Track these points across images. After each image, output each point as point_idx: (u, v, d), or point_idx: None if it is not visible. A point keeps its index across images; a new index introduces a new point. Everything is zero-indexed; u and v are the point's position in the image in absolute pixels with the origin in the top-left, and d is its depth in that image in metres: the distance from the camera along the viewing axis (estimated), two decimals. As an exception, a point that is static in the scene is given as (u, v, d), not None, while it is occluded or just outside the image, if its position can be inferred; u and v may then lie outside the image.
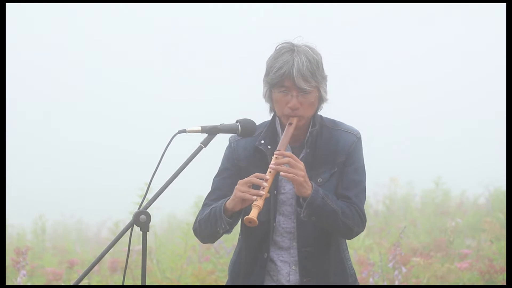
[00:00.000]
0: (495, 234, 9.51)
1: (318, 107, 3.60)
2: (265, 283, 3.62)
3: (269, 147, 3.59)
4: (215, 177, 3.71)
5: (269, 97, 3.60)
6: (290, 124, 3.53)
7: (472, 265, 7.45)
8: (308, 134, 3.58)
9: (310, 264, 3.57)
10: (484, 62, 30.57)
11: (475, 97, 30.23)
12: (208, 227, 3.56)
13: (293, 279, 3.60)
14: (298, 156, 3.59)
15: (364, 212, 3.58)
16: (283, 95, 3.53)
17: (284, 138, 3.51)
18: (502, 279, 6.92)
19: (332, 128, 3.62)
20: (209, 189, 3.71)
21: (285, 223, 3.59)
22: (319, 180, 3.56)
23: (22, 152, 30.05)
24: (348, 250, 3.69)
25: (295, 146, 3.62)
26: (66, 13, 34.14)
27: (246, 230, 3.64)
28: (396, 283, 6.63)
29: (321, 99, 3.58)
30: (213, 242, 3.62)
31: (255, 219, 3.34)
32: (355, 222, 3.53)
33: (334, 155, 3.58)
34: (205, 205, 3.67)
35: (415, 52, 33.47)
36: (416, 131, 27.84)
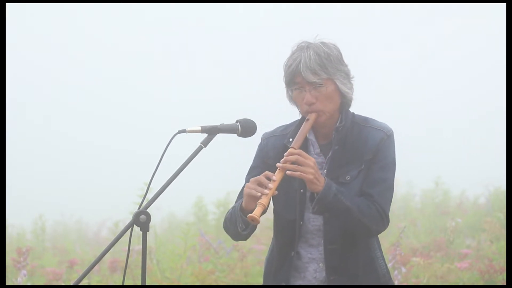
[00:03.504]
0: (495, 234, 9.51)
1: (340, 102, 3.57)
2: (292, 280, 3.61)
3: (300, 146, 3.55)
4: (246, 175, 3.70)
5: (290, 97, 3.60)
6: (308, 120, 3.52)
7: (472, 265, 7.45)
8: (334, 131, 3.56)
9: (336, 262, 3.54)
10: (484, 61, 30.58)
11: (475, 97, 30.25)
12: (231, 226, 3.57)
13: (320, 277, 3.58)
14: (327, 154, 3.57)
15: (386, 211, 3.53)
16: (298, 92, 3.53)
17: (300, 134, 3.50)
18: (502, 279, 6.92)
19: (362, 126, 3.59)
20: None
21: (314, 220, 3.57)
22: (347, 177, 3.53)
23: (22, 152, 30.06)
24: (380, 249, 3.63)
25: (324, 144, 3.60)
26: (66, 13, 34.15)
27: (276, 228, 3.65)
28: (396, 283, 6.63)
29: (341, 94, 3.55)
30: (243, 240, 3.59)
31: (257, 217, 3.33)
32: (374, 220, 3.49)
33: (362, 152, 3.55)
34: (235, 203, 3.69)
35: (415, 51, 33.49)
36: (416, 131, 27.85)
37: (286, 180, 3.51)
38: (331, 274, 3.54)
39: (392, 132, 3.61)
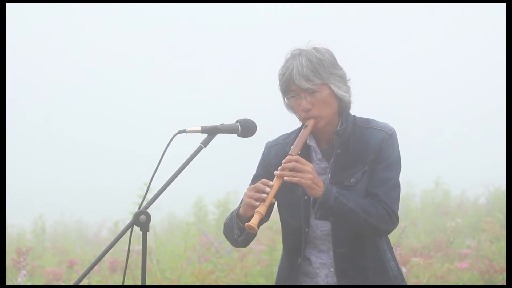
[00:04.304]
0: (495, 234, 9.51)
1: (338, 105, 3.56)
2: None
3: (298, 152, 3.55)
4: (249, 184, 3.67)
5: (287, 105, 3.60)
6: (306, 126, 3.52)
7: (472, 265, 7.45)
8: (335, 135, 3.55)
9: (346, 266, 3.53)
10: (484, 61, 30.58)
11: (475, 97, 30.25)
12: (229, 232, 3.58)
13: (332, 282, 3.56)
14: (330, 159, 3.56)
15: (394, 209, 3.51)
16: (295, 100, 3.53)
17: (298, 141, 3.50)
18: (502, 279, 6.92)
19: (364, 127, 3.58)
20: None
21: (322, 225, 3.55)
22: (352, 180, 3.51)
23: (22, 152, 30.06)
24: (391, 251, 3.61)
25: (326, 149, 3.59)
26: (66, 13, 34.15)
27: (283, 235, 3.65)
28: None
29: (337, 97, 3.53)
30: (243, 247, 3.60)
31: (255, 226, 3.33)
32: (381, 219, 3.47)
33: (365, 153, 3.54)
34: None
35: (415, 51, 33.49)
36: (415, 131, 27.85)
37: (290, 187, 3.51)
38: (341, 278, 3.53)
39: (394, 131, 3.58)
